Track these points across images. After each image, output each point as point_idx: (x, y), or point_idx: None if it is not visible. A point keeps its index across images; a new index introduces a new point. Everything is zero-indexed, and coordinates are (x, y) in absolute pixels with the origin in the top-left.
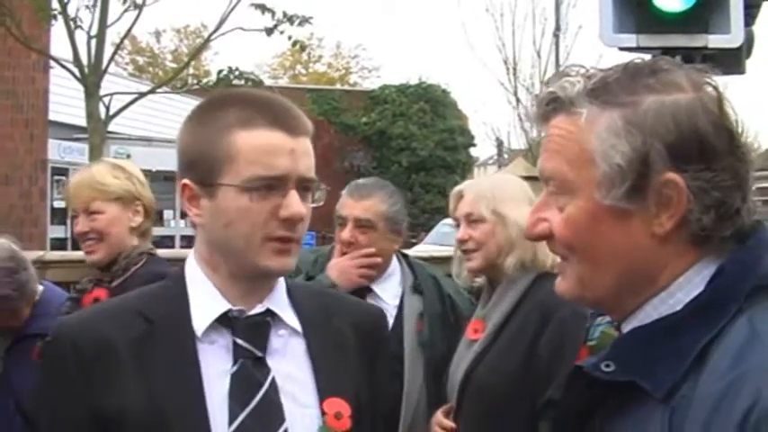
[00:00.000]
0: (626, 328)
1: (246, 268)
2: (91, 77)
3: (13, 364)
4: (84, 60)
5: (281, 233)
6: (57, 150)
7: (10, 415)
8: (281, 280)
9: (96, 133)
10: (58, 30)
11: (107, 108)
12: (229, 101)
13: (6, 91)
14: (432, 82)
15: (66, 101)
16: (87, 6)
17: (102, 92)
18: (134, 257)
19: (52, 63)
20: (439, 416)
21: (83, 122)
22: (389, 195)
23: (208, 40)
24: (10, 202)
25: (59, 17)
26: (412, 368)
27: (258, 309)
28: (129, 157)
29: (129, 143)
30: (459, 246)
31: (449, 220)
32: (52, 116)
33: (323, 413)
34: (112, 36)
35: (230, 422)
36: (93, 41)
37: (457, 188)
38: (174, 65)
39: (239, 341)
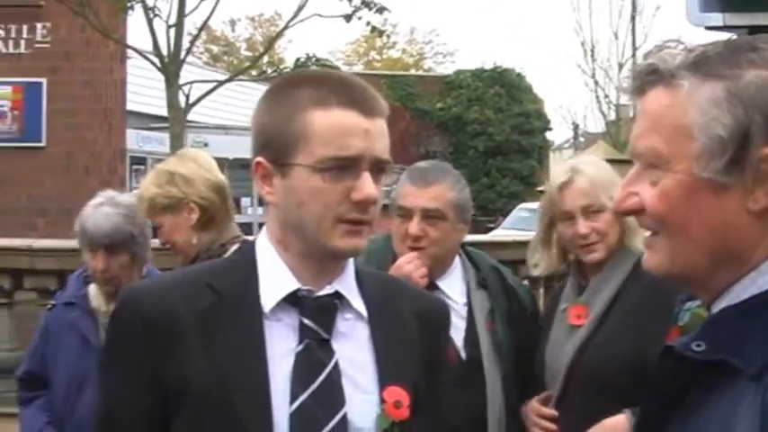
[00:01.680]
0: (716, 308)
1: (317, 248)
2: (170, 67)
3: None
4: (164, 50)
5: (352, 216)
6: (135, 140)
7: None
8: (351, 263)
9: (177, 122)
10: (134, 20)
11: (187, 97)
12: (305, 80)
13: (85, 81)
14: (507, 66)
15: (143, 90)
16: None
17: (180, 81)
18: (217, 249)
19: (129, 53)
20: (535, 404)
21: (160, 112)
22: (456, 180)
23: (286, 27)
24: (91, 191)
25: (137, 7)
26: (491, 374)
27: (327, 290)
28: (206, 145)
29: (206, 131)
30: (578, 241)
31: (526, 205)
32: (130, 106)
33: (382, 401)
34: (188, 26)
35: (291, 401)
36: (172, 31)
37: (558, 179)
38: (249, 53)
39: (306, 321)
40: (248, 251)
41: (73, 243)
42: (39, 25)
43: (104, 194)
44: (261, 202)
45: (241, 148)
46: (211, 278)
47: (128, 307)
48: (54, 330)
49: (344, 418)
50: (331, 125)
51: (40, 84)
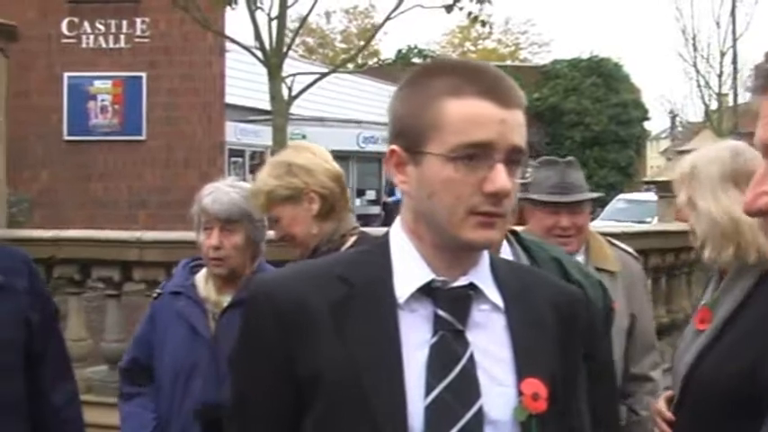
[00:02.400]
0: None
1: (449, 240)
2: (273, 59)
3: (224, 327)
4: (265, 43)
5: (485, 208)
6: (233, 132)
7: (220, 378)
8: (485, 253)
9: (280, 114)
10: (231, 13)
11: (289, 89)
12: (441, 69)
13: (184, 75)
14: (604, 55)
15: (241, 84)
16: None
17: (282, 73)
18: (336, 241)
19: (228, 46)
20: (661, 403)
21: (257, 104)
22: None
23: (389, 18)
24: (190, 184)
25: (239, 0)
26: None
27: (461, 281)
28: (304, 137)
29: (303, 123)
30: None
31: (624, 196)
32: (228, 99)
33: (519, 393)
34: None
35: (426, 394)
36: (274, 23)
37: (678, 169)
38: (344, 45)
39: (441, 312)
40: (382, 241)
41: (181, 235)
42: (138, 20)
43: (221, 181)
44: (359, 194)
45: (338, 139)
46: (342, 269)
47: (260, 297)
48: (161, 319)
49: (480, 410)
50: (464, 114)
51: (140, 78)
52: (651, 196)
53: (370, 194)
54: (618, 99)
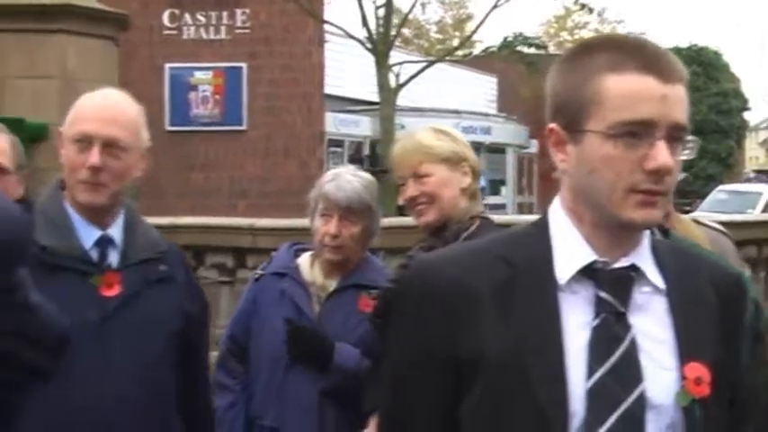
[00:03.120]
0: None
1: (609, 219)
2: (380, 47)
3: (329, 311)
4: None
5: (646, 186)
6: (332, 122)
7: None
8: (646, 234)
9: (387, 103)
10: (330, 3)
11: (396, 78)
12: (600, 44)
13: (284, 66)
14: (703, 45)
15: (340, 74)
16: None
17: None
18: (465, 222)
19: (327, 37)
20: None
21: (357, 95)
22: None
23: (495, 6)
24: (289, 173)
25: None
26: None
27: (623, 262)
28: (402, 127)
29: (402, 114)
30: None
31: (725, 187)
32: (327, 89)
33: (682, 377)
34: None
35: (588, 377)
36: (380, 12)
37: None
38: (439, 36)
39: (602, 294)
40: (541, 222)
41: (294, 222)
42: (238, 11)
43: (343, 168)
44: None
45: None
46: (504, 250)
47: (419, 278)
48: (263, 300)
49: (642, 395)
50: (625, 90)
51: (240, 68)
52: (753, 187)
53: None
54: (718, 89)
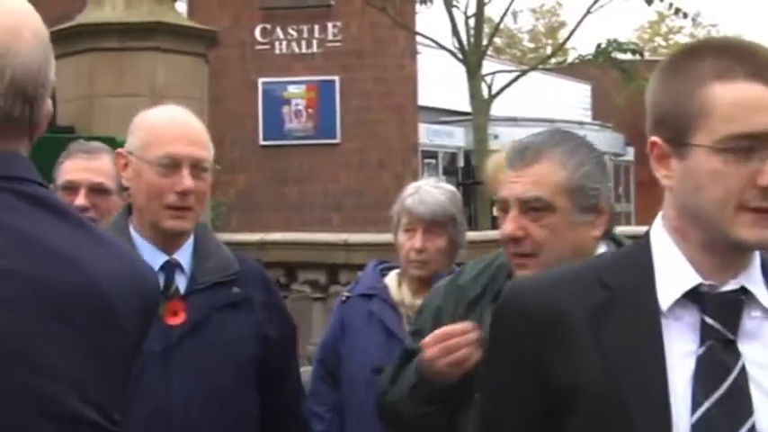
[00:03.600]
0: None
1: (717, 238)
2: (472, 58)
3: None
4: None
5: (758, 203)
6: (426, 134)
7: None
8: (757, 254)
9: (480, 113)
10: (421, 15)
11: (489, 88)
12: (705, 49)
13: (376, 78)
14: None
15: (432, 85)
16: None
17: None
18: None
19: (419, 48)
20: None
21: (450, 105)
22: (569, 154)
23: (588, 12)
24: (384, 186)
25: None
26: None
27: (731, 285)
28: (496, 137)
29: (495, 123)
30: None
31: None
32: (420, 101)
33: None
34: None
35: (693, 410)
36: (471, 22)
37: None
38: (532, 44)
39: (708, 320)
40: (642, 242)
41: (388, 237)
42: (330, 25)
43: (424, 180)
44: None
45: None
46: (602, 272)
47: (513, 303)
48: (351, 323)
49: (753, 428)
50: (735, 100)
51: (333, 82)
52: None
53: None
54: None
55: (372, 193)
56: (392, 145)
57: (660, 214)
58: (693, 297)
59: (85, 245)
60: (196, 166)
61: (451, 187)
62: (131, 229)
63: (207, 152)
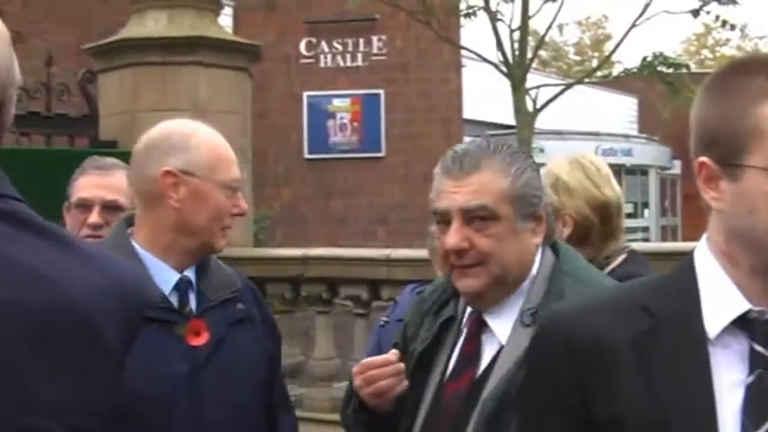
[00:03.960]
0: None
1: None
2: (516, 71)
3: None
4: (508, 54)
5: None
6: None
7: None
8: None
9: (525, 127)
10: (466, 29)
11: (534, 101)
12: (755, 66)
13: (421, 92)
14: None
15: (477, 99)
16: (507, 0)
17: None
18: (599, 261)
19: (464, 62)
20: None
21: (495, 119)
22: (509, 162)
23: (634, 25)
24: (428, 200)
25: (478, 13)
26: None
27: None
28: (542, 151)
29: (541, 137)
30: None
31: None
32: (465, 114)
33: None
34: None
35: None
36: (515, 35)
37: None
38: (577, 57)
39: (758, 347)
40: (687, 266)
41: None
42: (374, 38)
43: None
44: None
45: (576, 153)
46: (646, 299)
47: (551, 330)
48: (389, 348)
49: None
50: None
51: (378, 95)
52: None
53: None
54: None
55: (417, 207)
56: (437, 158)
57: (704, 237)
58: (742, 324)
59: (60, 260)
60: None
61: None
62: (135, 245)
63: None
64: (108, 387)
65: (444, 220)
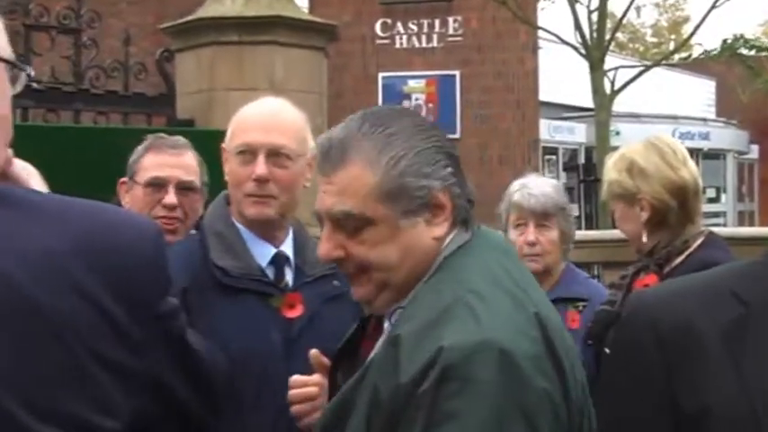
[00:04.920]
0: None
1: None
2: (595, 52)
3: None
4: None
5: None
6: (547, 130)
7: None
8: None
9: (603, 109)
10: (542, 10)
11: (612, 83)
12: None
13: (497, 73)
14: None
15: (553, 81)
16: None
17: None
18: (678, 246)
19: (540, 43)
20: None
21: (571, 101)
22: (381, 148)
23: (714, 7)
24: (504, 182)
25: None
26: None
27: None
28: (618, 133)
29: (618, 119)
30: None
31: None
32: (541, 96)
33: None
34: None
35: None
36: (594, 16)
37: None
38: (655, 39)
39: None
40: None
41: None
42: (450, 19)
43: (529, 176)
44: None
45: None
46: (735, 284)
47: (638, 316)
48: None
49: None
50: None
51: (453, 76)
52: None
53: None
54: None
55: (492, 189)
56: (512, 141)
57: None
58: None
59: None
60: (275, 154)
61: (555, 181)
62: (235, 221)
63: (288, 140)
64: (59, 356)
65: (321, 222)
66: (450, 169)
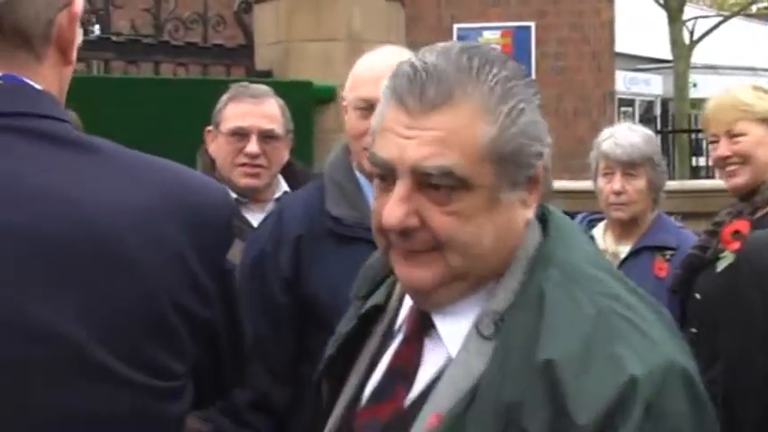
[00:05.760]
0: None
1: None
2: (673, 2)
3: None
4: None
5: None
6: (622, 81)
7: None
8: None
9: (681, 60)
10: None
11: (691, 34)
12: None
13: (572, 24)
14: None
15: (629, 32)
16: None
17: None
18: None
19: None
20: None
21: (647, 53)
22: (501, 92)
23: None
24: (579, 134)
25: None
26: None
27: None
28: (695, 85)
29: (695, 71)
30: None
31: None
32: (617, 47)
33: None
34: None
35: None
36: None
37: None
38: None
39: None
40: None
41: (585, 184)
42: None
43: (619, 125)
44: None
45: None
46: None
47: (750, 257)
48: None
49: None
50: None
51: (529, 28)
52: None
53: None
54: None
55: (567, 141)
56: (588, 92)
57: None
58: None
59: (89, 178)
60: None
61: (646, 130)
62: (355, 171)
63: None
64: (136, 307)
65: (385, 174)
66: (548, 140)
